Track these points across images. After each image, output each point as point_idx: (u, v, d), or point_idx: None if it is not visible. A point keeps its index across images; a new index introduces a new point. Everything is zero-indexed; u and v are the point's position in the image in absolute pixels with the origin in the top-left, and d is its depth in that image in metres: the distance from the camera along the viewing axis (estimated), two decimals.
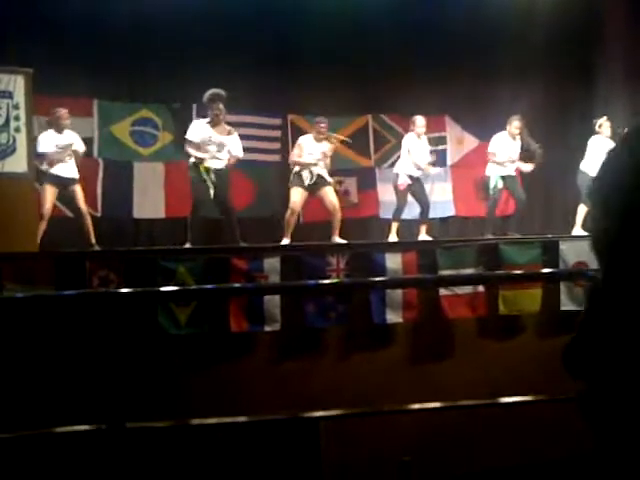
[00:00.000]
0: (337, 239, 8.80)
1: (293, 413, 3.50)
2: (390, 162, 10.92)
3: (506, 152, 9.62)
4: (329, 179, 9.03)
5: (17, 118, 7.05)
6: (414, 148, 9.39)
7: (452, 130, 11.07)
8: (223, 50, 9.75)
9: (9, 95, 7.03)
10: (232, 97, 8.78)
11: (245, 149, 9.05)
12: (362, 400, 6.39)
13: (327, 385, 6.87)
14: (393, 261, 7.26)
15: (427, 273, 7.25)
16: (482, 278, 4.51)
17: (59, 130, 8.21)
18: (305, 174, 8.86)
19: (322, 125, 9.11)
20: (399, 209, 9.47)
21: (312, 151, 8.95)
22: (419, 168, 9.38)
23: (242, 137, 9.03)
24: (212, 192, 8.23)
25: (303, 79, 10.31)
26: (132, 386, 5.42)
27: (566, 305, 7.40)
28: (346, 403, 6.29)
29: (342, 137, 9.59)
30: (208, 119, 8.49)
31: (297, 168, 8.95)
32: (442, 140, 11.00)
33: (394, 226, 9.33)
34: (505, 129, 9.65)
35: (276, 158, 10.57)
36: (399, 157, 10.08)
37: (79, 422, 3.02)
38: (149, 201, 9.94)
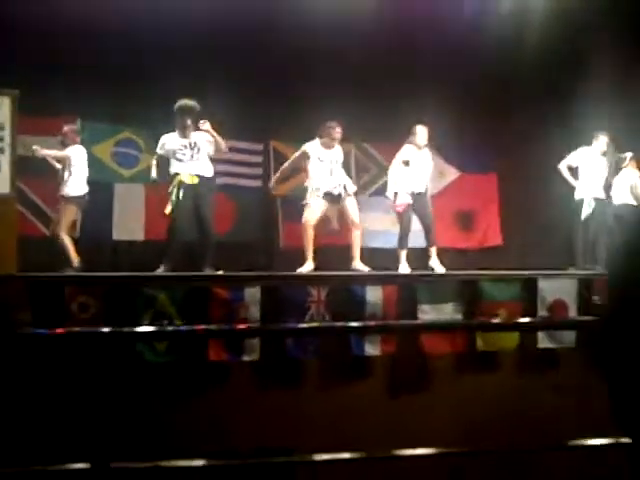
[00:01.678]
0: (358, 265, 8.41)
1: (270, 455, 3.49)
2: (372, 190, 11.00)
3: (594, 170, 9.30)
4: (352, 189, 8.58)
5: (1, 139, 7.01)
6: (415, 161, 8.81)
7: (433, 161, 11.13)
8: (206, 75, 9.77)
9: None
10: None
11: (226, 174, 9.07)
12: (339, 432, 6.41)
13: (305, 416, 6.86)
14: (373, 294, 7.28)
15: (407, 307, 7.28)
16: (461, 325, 4.53)
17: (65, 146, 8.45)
18: (318, 187, 8.37)
19: (337, 130, 8.57)
20: (403, 235, 8.82)
21: (323, 159, 8.47)
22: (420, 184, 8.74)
23: (224, 162, 9.04)
24: (186, 213, 7.93)
25: (286, 105, 10.35)
26: (113, 418, 5.39)
27: (543, 343, 7.47)
28: (323, 434, 6.32)
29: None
30: (176, 133, 8.21)
31: (312, 183, 8.44)
32: None
33: (402, 254, 8.79)
34: (590, 144, 9.39)
35: (257, 183, 10.59)
36: (382, 185, 10.14)
37: (62, 461, 3.00)
38: (129, 223, 9.92)
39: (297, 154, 8.69)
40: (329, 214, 8.63)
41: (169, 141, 8.14)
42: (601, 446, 3.41)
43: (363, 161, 11.01)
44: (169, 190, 8.04)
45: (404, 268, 8.72)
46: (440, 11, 10.25)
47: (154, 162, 8.23)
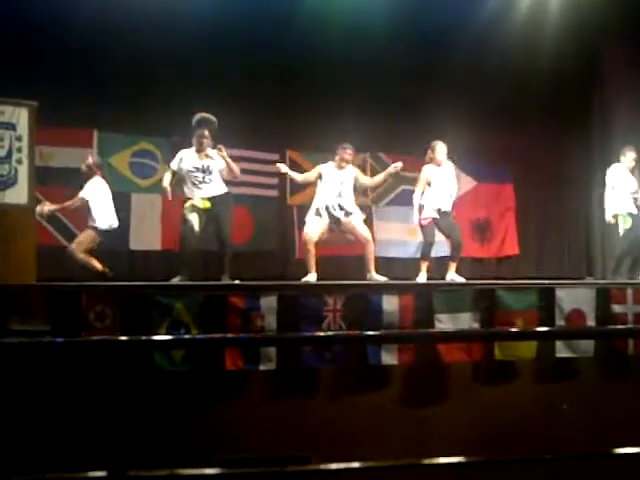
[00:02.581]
0: (375, 276, 8.45)
1: (286, 464, 3.49)
2: (387, 200, 11.00)
3: (626, 185, 9.20)
4: (353, 210, 8.59)
5: (20, 150, 7.07)
6: (437, 179, 8.81)
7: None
8: (223, 84, 9.83)
9: (12, 127, 7.05)
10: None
11: (243, 184, 9.08)
12: (356, 442, 6.40)
13: (321, 425, 6.86)
14: (390, 303, 7.26)
15: (423, 316, 7.25)
16: (479, 335, 4.50)
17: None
18: (321, 205, 8.51)
19: (348, 152, 8.66)
20: (427, 246, 8.86)
21: (333, 179, 8.57)
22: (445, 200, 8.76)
23: (240, 171, 9.05)
24: (197, 229, 7.99)
25: (302, 115, 10.39)
26: (130, 427, 5.40)
27: (561, 352, 7.42)
28: (340, 444, 6.31)
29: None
30: (194, 147, 8.29)
31: (316, 201, 8.57)
32: None
33: (423, 266, 8.81)
34: (619, 161, 9.30)
35: (274, 193, 10.62)
36: (398, 195, 10.16)
37: (78, 469, 3.01)
38: (146, 233, 9.96)
39: (312, 173, 8.78)
40: (337, 230, 8.72)
41: (185, 159, 8.22)
42: (621, 455, 3.37)
43: (378, 171, 10.96)
44: (184, 209, 8.13)
45: (422, 278, 8.73)
46: (455, 22, 10.25)
47: (167, 175, 8.32)
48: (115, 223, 8.60)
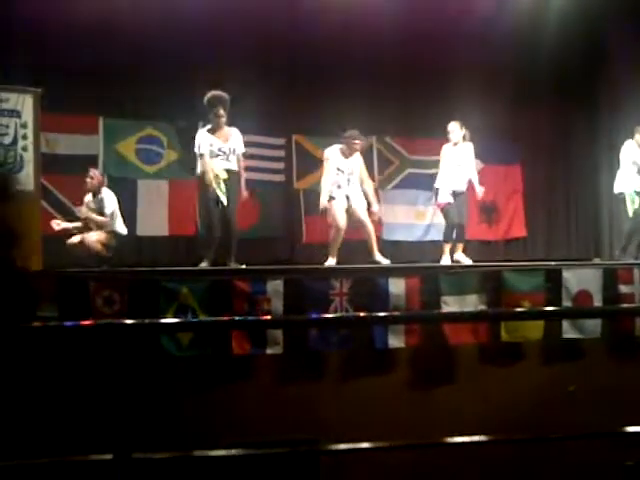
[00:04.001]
0: (378, 257, 8.41)
1: (294, 446, 3.50)
2: (394, 184, 10.98)
3: (633, 164, 9.12)
4: (362, 201, 8.48)
5: (25, 137, 7.09)
6: (450, 158, 8.87)
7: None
8: (229, 69, 9.81)
9: (17, 114, 7.07)
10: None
11: (249, 168, 9.06)
12: (363, 425, 6.41)
13: (329, 409, 6.87)
14: (396, 286, 7.26)
15: (430, 298, 7.25)
16: (487, 315, 4.49)
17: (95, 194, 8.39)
18: (337, 193, 8.39)
19: (356, 142, 8.51)
20: (448, 228, 8.95)
21: (342, 168, 8.45)
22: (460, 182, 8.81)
23: (246, 156, 9.05)
24: (224, 201, 7.87)
25: (308, 99, 10.36)
26: (136, 411, 5.41)
27: (568, 333, 7.41)
28: (347, 427, 6.32)
29: None
30: (209, 126, 8.16)
31: (329, 186, 8.42)
32: None
33: (446, 248, 8.89)
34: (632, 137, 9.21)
35: (280, 178, 10.61)
36: (405, 178, 10.16)
37: (84, 452, 3.03)
38: (153, 219, 9.97)
39: (324, 165, 8.60)
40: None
41: (207, 141, 8.03)
42: (630, 434, 3.36)
43: (385, 154, 10.98)
44: (207, 183, 7.93)
45: (446, 260, 8.77)
46: (463, 3, 10.20)
47: (200, 160, 8.09)
48: (125, 230, 8.58)
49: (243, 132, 9.64)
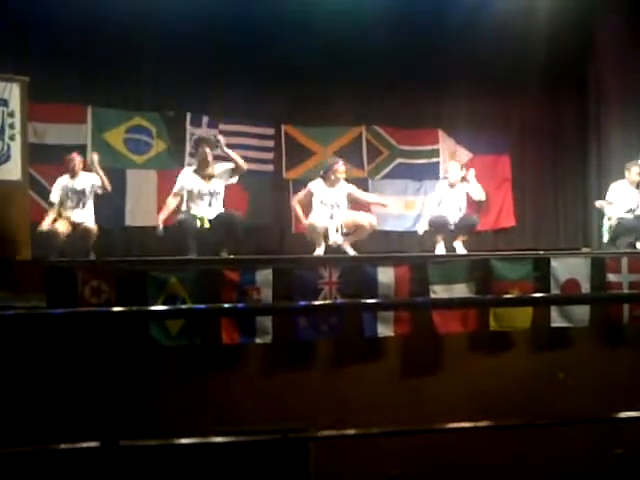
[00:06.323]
0: (347, 246, 8.32)
1: (283, 433, 3.50)
2: (383, 174, 10.97)
3: (625, 202, 9.11)
4: (340, 240, 8.33)
5: (12, 126, 7.06)
6: (444, 198, 8.92)
7: (445, 143, 11.07)
8: (218, 59, 9.78)
9: (4, 103, 7.04)
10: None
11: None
12: (352, 413, 6.42)
13: (318, 398, 6.89)
14: (385, 275, 7.27)
15: (419, 287, 7.26)
16: (475, 301, 4.51)
17: (73, 176, 8.32)
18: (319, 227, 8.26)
19: (339, 169, 8.41)
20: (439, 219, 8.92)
21: (325, 200, 8.37)
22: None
23: (236, 146, 9.03)
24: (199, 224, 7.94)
25: (297, 89, 10.31)
26: (124, 399, 5.42)
27: (556, 322, 7.44)
28: (336, 416, 6.34)
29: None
30: (194, 167, 8.25)
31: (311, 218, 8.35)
32: (435, 153, 11.01)
33: (439, 237, 8.83)
34: (624, 177, 9.23)
35: (269, 168, 10.58)
36: (394, 168, 10.23)
37: (71, 439, 3.02)
38: (142, 209, 9.92)
39: (304, 192, 8.59)
40: None
41: (188, 181, 8.11)
42: (618, 420, 3.37)
43: (374, 144, 10.96)
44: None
45: (440, 250, 8.73)
46: None
47: (173, 202, 8.21)
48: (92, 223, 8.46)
49: (232, 122, 9.68)
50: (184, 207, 8.12)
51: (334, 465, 6.33)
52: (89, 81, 9.50)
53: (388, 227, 10.68)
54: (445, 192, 8.98)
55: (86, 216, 8.33)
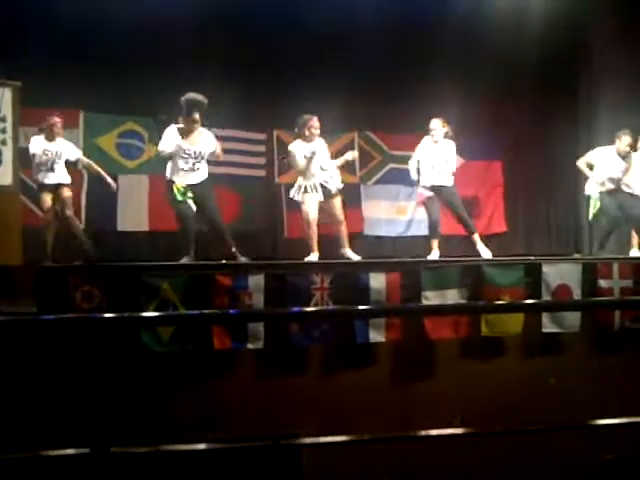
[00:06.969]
0: (349, 252, 8.21)
1: (276, 440, 3.49)
2: (376, 178, 10.99)
3: (608, 170, 8.98)
4: (333, 187, 8.24)
5: (4, 131, 7.02)
6: (430, 154, 8.62)
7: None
8: (209, 64, 9.77)
9: None
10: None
11: (230, 164, 9.03)
12: (344, 419, 6.42)
13: (310, 403, 6.88)
14: (377, 280, 7.28)
15: (411, 293, 7.28)
16: (466, 308, 4.51)
17: (51, 138, 8.23)
18: (310, 183, 8.14)
19: (312, 123, 8.20)
20: (432, 224, 8.78)
21: (307, 154, 8.16)
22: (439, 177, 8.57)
23: (227, 151, 9.01)
24: (194, 208, 7.80)
25: (289, 94, 10.31)
26: (116, 405, 5.40)
27: (547, 327, 7.47)
28: (328, 421, 6.34)
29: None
30: (180, 125, 7.92)
31: (299, 180, 8.23)
32: None
33: (434, 243, 8.67)
34: (613, 144, 9.06)
35: (261, 173, 10.59)
36: (386, 174, 10.18)
37: (62, 446, 3.01)
38: (133, 214, 9.92)
39: (292, 158, 8.39)
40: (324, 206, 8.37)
41: (175, 140, 7.84)
42: (608, 427, 3.37)
43: (366, 149, 10.98)
44: (168, 196, 7.91)
45: (435, 256, 8.58)
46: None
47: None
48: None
49: (223, 126, 9.65)
50: (168, 172, 7.88)
51: (327, 471, 6.32)
52: (81, 86, 9.47)
53: (381, 232, 10.71)
54: (429, 148, 8.69)
55: (60, 177, 8.27)
